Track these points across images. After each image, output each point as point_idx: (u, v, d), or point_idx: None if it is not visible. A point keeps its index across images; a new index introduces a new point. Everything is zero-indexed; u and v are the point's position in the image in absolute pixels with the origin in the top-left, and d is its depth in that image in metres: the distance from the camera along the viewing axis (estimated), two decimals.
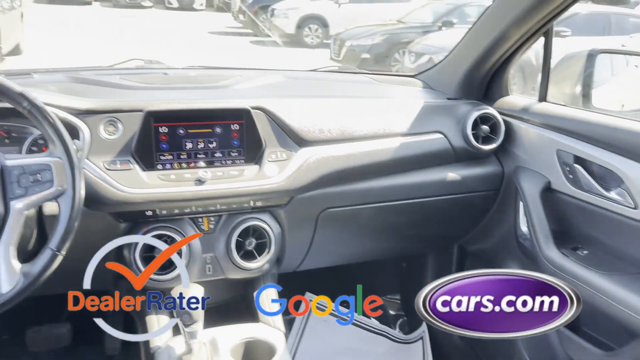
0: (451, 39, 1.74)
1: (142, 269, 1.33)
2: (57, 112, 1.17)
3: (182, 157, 1.33)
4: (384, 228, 1.71)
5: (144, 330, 1.37)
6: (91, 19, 13.08)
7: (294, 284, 2.01)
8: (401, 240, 1.84)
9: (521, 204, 1.58)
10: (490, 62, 1.66)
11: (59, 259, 1.04)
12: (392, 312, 2.35)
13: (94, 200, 1.22)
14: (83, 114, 1.29)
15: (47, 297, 1.80)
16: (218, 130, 1.35)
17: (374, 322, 2.23)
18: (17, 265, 1.02)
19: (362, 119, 1.52)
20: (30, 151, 1.32)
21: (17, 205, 1.02)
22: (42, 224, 1.23)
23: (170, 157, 1.32)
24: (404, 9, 10.26)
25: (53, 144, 1.06)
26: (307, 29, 11.10)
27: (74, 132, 1.25)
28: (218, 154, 1.36)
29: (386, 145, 1.53)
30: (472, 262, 1.94)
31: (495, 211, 1.74)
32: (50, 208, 1.19)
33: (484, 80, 1.72)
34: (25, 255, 1.12)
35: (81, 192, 1.07)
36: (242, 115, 1.36)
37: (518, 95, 1.73)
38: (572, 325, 1.38)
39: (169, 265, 1.35)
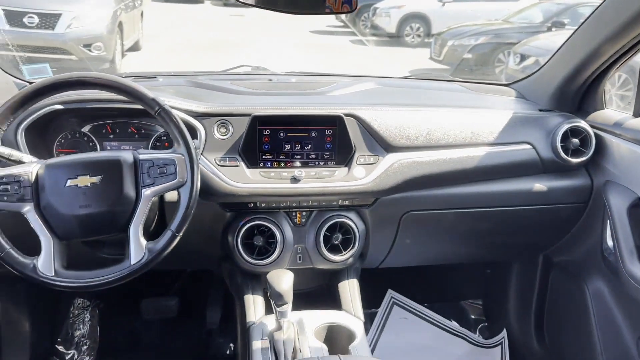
0: (561, 41, 1.70)
1: (243, 253, 1.50)
2: (179, 114, 1.38)
3: (281, 157, 1.49)
4: (467, 233, 1.75)
5: (242, 308, 1.54)
6: (202, 17, 13.87)
7: (377, 280, 2.18)
8: (484, 246, 1.87)
9: (608, 218, 1.57)
10: (585, 75, 1.65)
11: (177, 239, 1.22)
12: (473, 316, 2.37)
13: (207, 191, 1.41)
14: (200, 116, 1.48)
15: (161, 273, 2.06)
16: (313, 134, 1.49)
17: (454, 324, 2.28)
18: (143, 242, 1.21)
19: (449, 128, 1.58)
20: (155, 146, 1.54)
21: (146, 192, 1.22)
22: (162, 210, 1.44)
23: (271, 156, 1.48)
24: (512, 8, 9.86)
25: (177, 143, 1.25)
26: (409, 28, 11.00)
27: (193, 132, 1.45)
28: (312, 156, 1.50)
29: (472, 154, 1.57)
30: (557, 273, 1.92)
31: (583, 224, 1.72)
32: (170, 196, 1.39)
33: (578, 93, 1.71)
34: (148, 235, 1.31)
35: (198, 184, 1.24)
36: (335, 122, 1.49)
37: (613, 109, 1.71)
38: None
39: (265, 252, 1.52)
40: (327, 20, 13.81)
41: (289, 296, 1.30)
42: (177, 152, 1.25)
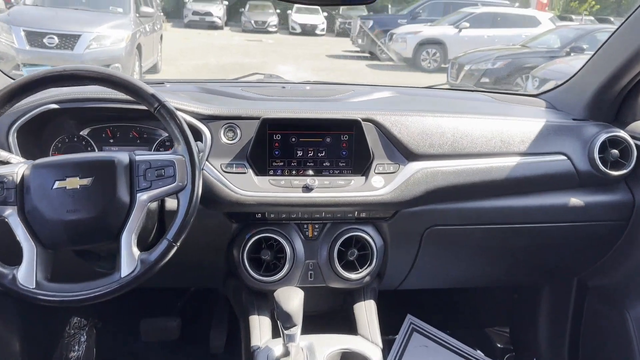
0: (580, 65, 1.62)
1: (249, 268, 1.37)
2: (183, 116, 1.27)
3: (292, 164, 1.37)
4: (495, 253, 1.62)
5: (247, 330, 1.40)
6: (221, 42, 14.05)
7: (395, 303, 1.97)
8: (513, 267, 1.73)
9: None
10: (623, 82, 1.53)
11: (174, 250, 1.10)
12: (499, 345, 2.22)
13: (211, 199, 1.30)
14: (206, 119, 1.37)
15: (162, 291, 1.94)
16: (328, 140, 1.38)
17: (479, 354, 2.10)
18: (136, 252, 1.09)
19: (477, 135, 1.46)
20: (157, 151, 1.43)
21: (142, 197, 1.10)
22: (162, 219, 1.32)
23: (282, 163, 1.37)
24: (529, 34, 9.80)
25: (178, 143, 1.14)
26: (425, 53, 11.02)
27: (198, 135, 1.34)
28: (326, 163, 1.38)
29: (502, 164, 1.45)
30: (593, 299, 1.77)
31: (623, 244, 1.58)
32: (171, 204, 1.27)
33: (615, 102, 1.58)
34: (145, 246, 1.19)
35: (199, 189, 1.13)
36: (352, 127, 1.38)
37: None
38: None
39: (274, 268, 1.39)
40: (344, 46, 13.90)
41: (298, 317, 1.17)
42: (177, 153, 1.14)
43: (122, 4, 7.53)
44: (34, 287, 1.04)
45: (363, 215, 1.42)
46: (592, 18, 14.82)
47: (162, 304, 2.05)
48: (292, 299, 1.17)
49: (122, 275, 1.07)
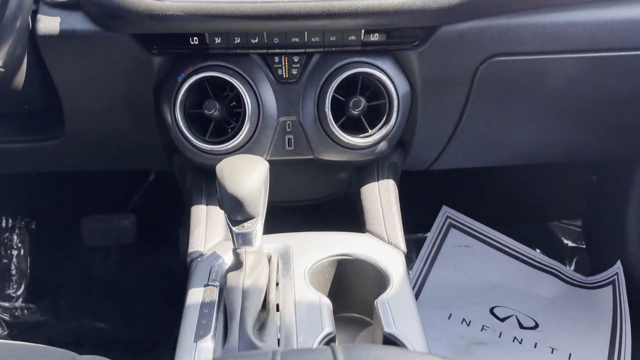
0: None
1: (186, 132, 0.92)
2: None
3: None
4: (581, 103, 1.15)
5: (188, 226, 0.97)
6: None
7: (426, 190, 1.82)
8: (603, 129, 1.28)
9: None
10: None
11: None
12: (568, 243, 1.94)
13: (108, 10, 0.84)
14: None
15: (111, 181, 1.58)
16: None
17: (540, 255, 1.84)
18: None
19: None
20: None
21: None
22: None
23: None
24: None
25: None
26: None
27: None
28: None
29: None
30: None
31: None
32: None
33: None
34: None
35: None
36: None
37: None
38: None
39: (227, 131, 0.94)
40: None
41: (255, 204, 0.73)
42: None
43: None
44: None
45: (375, 37, 0.93)
46: None
47: (112, 197, 1.70)
48: (245, 172, 0.73)
49: None
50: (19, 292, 1.61)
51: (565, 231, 1.95)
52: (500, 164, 1.45)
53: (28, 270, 1.63)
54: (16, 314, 1.58)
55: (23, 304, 1.60)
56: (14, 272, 1.61)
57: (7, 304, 1.58)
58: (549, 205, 1.93)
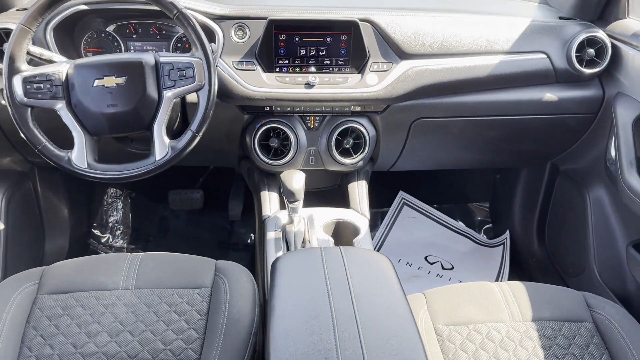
0: None
1: (259, 153, 1.60)
2: (197, 16, 1.43)
3: (296, 62, 1.53)
4: (477, 140, 1.77)
5: (259, 203, 1.67)
6: None
7: (390, 182, 2.27)
8: (493, 153, 1.89)
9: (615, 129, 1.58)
10: None
11: (197, 139, 1.32)
12: (479, 218, 2.45)
13: (225, 94, 1.48)
14: (218, 18, 1.51)
15: (187, 168, 2.19)
16: (328, 39, 1.51)
17: (461, 224, 2.38)
18: (166, 140, 1.30)
19: (465, 35, 1.55)
20: (175, 47, 1.59)
21: (167, 94, 1.29)
22: (184, 110, 1.52)
23: (287, 61, 1.52)
24: None
25: (195, 47, 1.30)
26: None
27: (211, 35, 1.49)
28: (327, 62, 1.53)
29: (486, 62, 1.56)
30: (562, 180, 1.97)
31: (591, 134, 1.73)
32: (191, 97, 1.46)
33: (601, 1, 1.66)
34: (172, 133, 1.40)
35: (215, 87, 1.31)
36: (350, 27, 1.50)
37: (636, 18, 1.66)
38: None
39: (280, 153, 1.62)
40: None
41: (300, 194, 1.40)
42: (195, 56, 1.30)
43: None
44: (86, 167, 1.28)
45: (358, 109, 1.59)
46: None
47: (187, 178, 2.29)
48: (295, 179, 1.40)
49: (157, 159, 1.29)
50: (125, 238, 2.19)
51: (478, 210, 2.44)
52: (433, 168, 2.02)
53: (130, 224, 2.23)
54: (122, 252, 2.14)
55: (126, 245, 2.19)
56: (120, 225, 2.22)
57: (117, 244, 2.19)
58: (469, 192, 2.44)
